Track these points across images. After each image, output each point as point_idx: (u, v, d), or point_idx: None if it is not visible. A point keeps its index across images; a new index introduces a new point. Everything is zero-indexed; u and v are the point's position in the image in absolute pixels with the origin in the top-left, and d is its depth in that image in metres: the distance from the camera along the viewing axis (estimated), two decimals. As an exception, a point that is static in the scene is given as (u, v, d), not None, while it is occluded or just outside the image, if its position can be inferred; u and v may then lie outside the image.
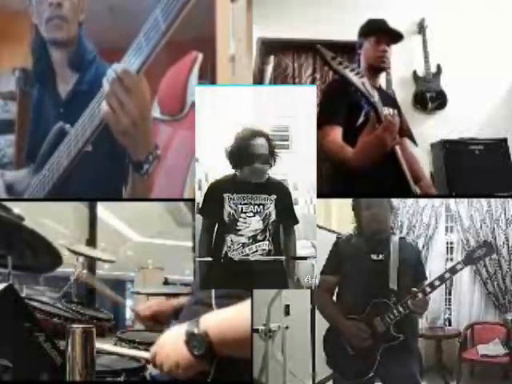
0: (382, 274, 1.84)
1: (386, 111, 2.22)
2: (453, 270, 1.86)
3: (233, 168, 1.67)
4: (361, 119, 2.19)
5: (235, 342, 1.23)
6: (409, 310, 1.81)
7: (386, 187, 2.14)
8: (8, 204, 2.03)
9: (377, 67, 2.36)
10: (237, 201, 1.63)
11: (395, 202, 2.01)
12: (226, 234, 1.63)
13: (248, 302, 1.27)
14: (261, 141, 1.65)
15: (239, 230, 1.62)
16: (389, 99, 2.46)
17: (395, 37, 2.37)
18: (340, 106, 2.22)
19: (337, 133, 2.21)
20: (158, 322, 1.67)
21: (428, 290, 1.81)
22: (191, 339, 1.21)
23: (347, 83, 1.99)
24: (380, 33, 2.35)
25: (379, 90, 2.37)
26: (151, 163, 1.67)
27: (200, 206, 1.69)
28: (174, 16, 1.48)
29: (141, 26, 1.53)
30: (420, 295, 1.80)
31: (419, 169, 2.47)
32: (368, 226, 1.90)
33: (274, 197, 1.65)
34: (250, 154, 1.63)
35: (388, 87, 3.53)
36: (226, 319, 1.26)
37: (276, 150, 1.68)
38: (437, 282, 1.83)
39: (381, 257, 1.87)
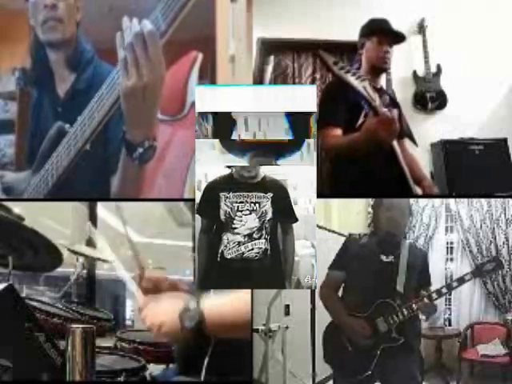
0: (390, 275, 1.86)
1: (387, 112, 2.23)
2: (461, 280, 1.90)
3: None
4: (361, 120, 2.18)
5: (228, 326, 1.26)
6: (414, 312, 1.82)
7: (386, 187, 2.14)
8: (8, 204, 2.03)
9: (378, 68, 2.36)
10: (232, 199, 1.62)
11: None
12: (222, 233, 1.62)
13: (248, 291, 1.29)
14: None
15: (235, 228, 1.61)
16: (390, 100, 2.46)
17: (397, 37, 2.36)
18: (340, 107, 2.22)
19: (337, 134, 2.21)
20: (155, 290, 1.68)
21: (435, 296, 1.84)
22: (185, 313, 1.24)
23: (349, 88, 1.99)
24: (382, 33, 2.34)
25: (381, 90, 2.37)
26: (145, 150, 1.64)
27: (197, 205, 1.69)
28: (173, 16, 1.49)
29: (141, 26, 1.52)
30: (426, 300, 1.81)
31: (419, 169, 2.47)
32: (385, 227, 1.91)
33: (270, 194, 1.63)
34: None
35: (388, 87, 3.53)
36: (223, 303, 1.30)
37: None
38: (444, 290, 1.88)
39: (390, 258, 1.88)
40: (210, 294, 1.34)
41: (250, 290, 1.29)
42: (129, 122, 1.61)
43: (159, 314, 1.28)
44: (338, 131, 2.21)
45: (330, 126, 2.20)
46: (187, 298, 1.27)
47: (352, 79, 1.96)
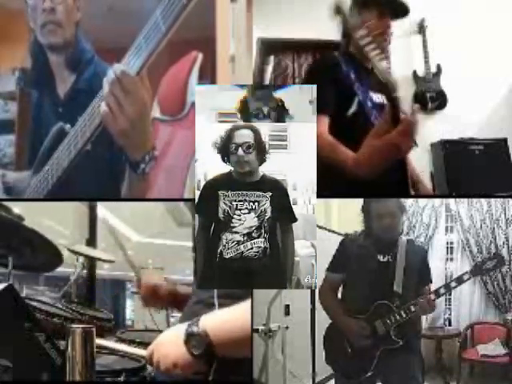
0: (388, 275, 1.82)
1: (377, 99, 1.99)
2: (459, 280, 1.84)
3: (222, 160, 1.66)
4: (353, 108, 1.91)
5: (235, 343, 1.23)
6: (412, 313, 1.79)
7: (387, 188, 2.13)
8: (8, 204, 2.03)
9: (378, 43, 2.08)
10: (231, 198, 1.62)
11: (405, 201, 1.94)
12: (221, 233, 1.61)
13: (248, 302, 1.27)
14: (245, 131, 1.63)
15: (234, 227, 1.60)
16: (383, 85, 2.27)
17: (400, 10, 2.06)
18: (327, 91, 1.87)
19: (323, 124, 1.86)
20: (155, 297, 1.75)
21: (433, 297, 1.80)
22: (191, 339, 1.21)
23: (339, 68, 1.80)
24: (383, 5, 2.04)
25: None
26: (147, 163, 1.73)
27: (196, 204, 1.68)
28: (173, 18, 1.49)
29: (140, 26, 1.53)
30: (427, 296, 1.79)
31: (414, 170, 2.44)
32: (379, 233, 1.85)
33: (269, 194, 1.63)
34: (233, 143, 1.62)
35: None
36: (226, 320, 1.26)
37: (264, 142, 1.65)
38: (442, 290, 1.81)
39: (387, 258, 1.84)
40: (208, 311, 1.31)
41: (250, 302, 1.27)
42: (128, 149, 1.71)
43: (168, 352, 1.23)
44: (325, 120, 1.88)
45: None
46: (185, 324, 1.25)
47: (373, 54, 1.66)
